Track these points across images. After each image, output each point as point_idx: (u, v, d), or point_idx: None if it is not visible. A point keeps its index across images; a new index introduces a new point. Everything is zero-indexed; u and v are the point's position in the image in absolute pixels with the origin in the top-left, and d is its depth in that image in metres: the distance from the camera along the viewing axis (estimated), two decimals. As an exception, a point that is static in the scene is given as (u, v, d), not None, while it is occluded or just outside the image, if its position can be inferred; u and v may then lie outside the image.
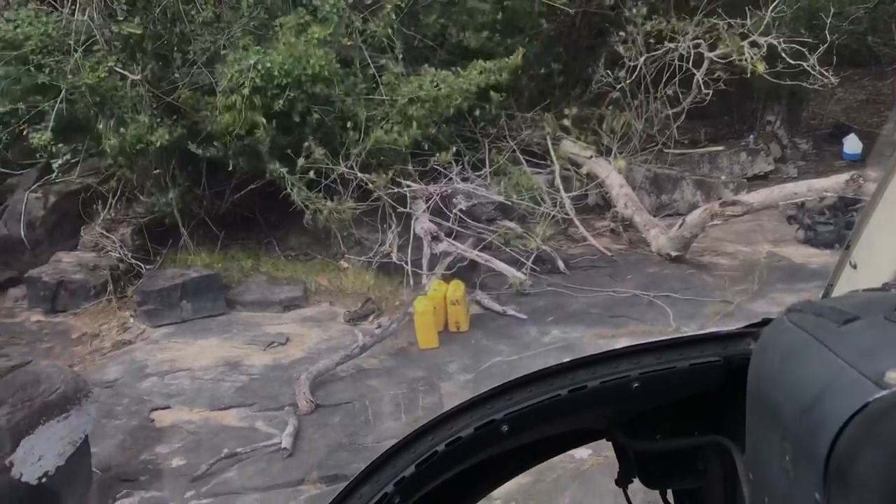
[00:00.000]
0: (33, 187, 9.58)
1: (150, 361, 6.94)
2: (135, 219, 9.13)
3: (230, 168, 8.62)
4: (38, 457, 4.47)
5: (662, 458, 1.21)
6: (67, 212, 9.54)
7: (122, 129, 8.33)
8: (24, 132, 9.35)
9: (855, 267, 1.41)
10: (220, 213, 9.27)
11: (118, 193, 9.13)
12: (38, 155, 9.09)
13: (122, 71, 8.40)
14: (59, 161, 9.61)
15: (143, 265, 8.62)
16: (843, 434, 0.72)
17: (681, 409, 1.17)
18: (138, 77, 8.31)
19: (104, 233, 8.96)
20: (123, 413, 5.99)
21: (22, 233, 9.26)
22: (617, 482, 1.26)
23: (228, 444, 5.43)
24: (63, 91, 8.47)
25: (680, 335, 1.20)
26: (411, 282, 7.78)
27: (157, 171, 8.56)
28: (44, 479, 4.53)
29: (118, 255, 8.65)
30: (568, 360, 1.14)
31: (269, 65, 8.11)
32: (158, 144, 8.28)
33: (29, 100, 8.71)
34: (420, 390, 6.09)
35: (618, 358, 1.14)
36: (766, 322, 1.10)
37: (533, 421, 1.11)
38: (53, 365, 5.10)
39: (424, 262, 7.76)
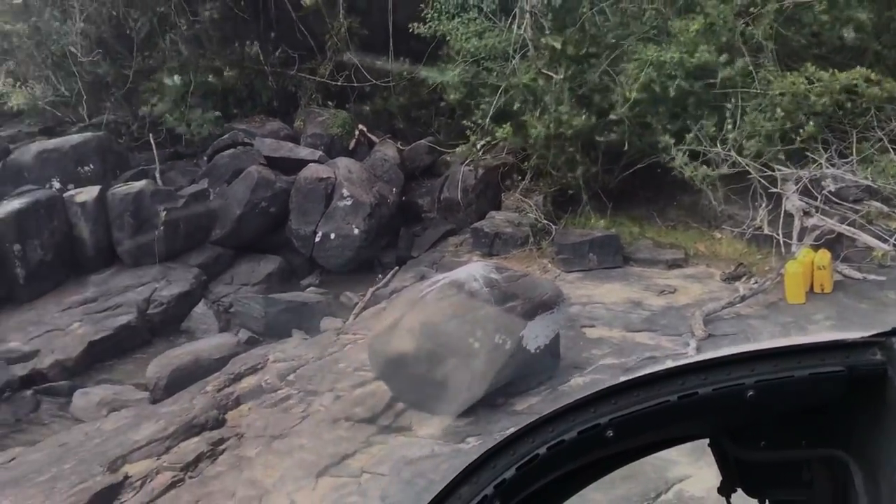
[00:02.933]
0: (466, 162, 12.64)
1: (571, 295, 9.38)
2: (545, 189, 11.77)
3: (624, 149, 10.81)
4: (535, 335, 7.04)
5: (766, 467, 1.19)
6: (490, 182, 12.48)
7: (545, 118, 10.92)
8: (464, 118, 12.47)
9: None
10: (609, 187, 11.54)
11: (534, 169, 11.83)
12: (470, 134, 12.15)
13: (547, 72, 10.97)
14: (482, 142, 12.60)
15: (552, 225, 11.20)
16: None
17: (790, 419, 1.13)
18: (560, 77, 10.82)
19: (522, 198, 11.72)
20: (562, 327, 8.46)
21: (458, 196, 12.39)
22: (720, 490, 1.23)
23: (644, 352, 7.64)
24: (501, 88, 11.33)
25: (800, 342, 1.15)
26: (782, 251, 9.39)
27: (570, 150, 11.01)
28: (536, 351, 7.09)
29: (534, 216, 11.33)
30: (677, 364, 1.13)
31: (662, 60, 10.17)
32: (571, 131, 10.76)
33: (476, 95, 11.70)
34: (791, 330, 7.81)
35: (731, 364, 1.11)
36: (893, 332, 1.08)
37: (639, 427, 1.09)
38: (541, 277, 7.68)
39: (794, 234, 9.33)
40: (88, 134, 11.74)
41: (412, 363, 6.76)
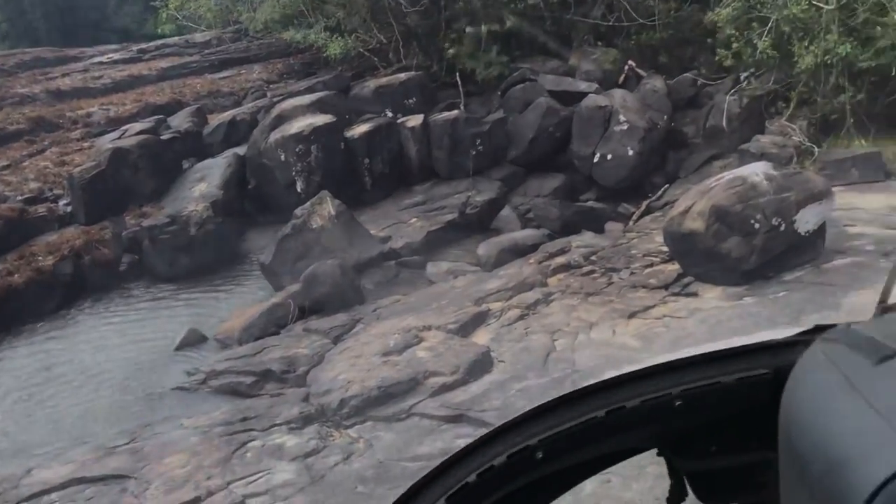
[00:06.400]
0: (731, 91, 14.21)
1: (834, 202, 10.89)
2: (809, 115, 13.11)
3: (892, 74, 11.92)
4: (806, 221, 8.76)
5: (714, 474, 1.18)
6: (753, 110, 13.96)
7: (812, 47, 12.26)
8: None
9: None
10: (874, 112, 12.66)
11: (798, 97, 13.19)
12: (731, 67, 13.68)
13: (817, 3, 12.27)
14: (746, 73, 14.09)
15: (815, 147, 12.57)
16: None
17: (735, 423, 1.12)
18: (831, 7, 12.08)
19: (787, 123, 13.15)
20: (827, 219, 10.03)
21: (723, 123, 14.00)
22: (668, 501, 1.22)
23: (904, 243, 9.10)
24: (772, 20, 12.77)
25: (726, 347, 1.14)
26: None
27: (837, 78, 12.29)
28: (806, 234, 8.83)
29: (798, 139, 12.75)
30: (605, 378, 1.14)
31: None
32: (838, 58, 12.03)
33: (747, 28, 13.21)
34: None
35: (659, 374, 1.12)
36: (819, 329, 1.08)
37: (569, 445, 1.09)
38: (812, 174, 9.38)
39: None
40: (411, 73, 14.69)
41: (701, 239, 8.76)
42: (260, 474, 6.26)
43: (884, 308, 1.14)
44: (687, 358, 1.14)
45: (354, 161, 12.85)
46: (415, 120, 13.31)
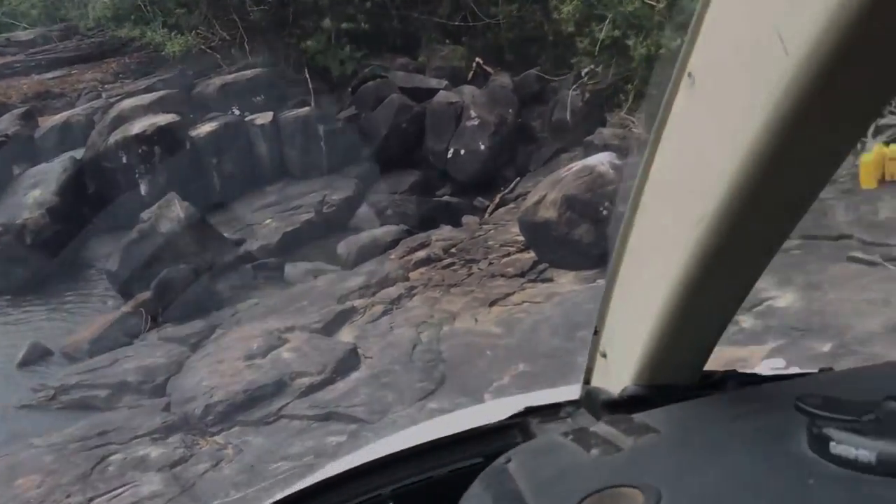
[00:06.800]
0: (574, 87, 14.88)
1: (673, 189, 11.64)
2: (646, 107, 13.92)
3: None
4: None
5: None
6: (594, 103, 14.69)
7: (647, 42, 13.04)
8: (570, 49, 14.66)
9: (605, 356, 1.18)
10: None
11: (636, 89, 13.98)
12: (573, 63, 14.38)
13: (650, 2, 13.06)
14: (587, 69, 14.81)
15: (653, 137, 13.37)
16: None
17: None
18: (661, 6, 12.90)
19: (627, 115, 13.92)
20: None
21: (567, 117, 14.64)
22: None
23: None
24: (609, 18, 13.49)
25: (439, 436, 1.08)
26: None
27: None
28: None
29: (637, 130, 13.52)
30: (314, 481, 1.06)
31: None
32: (671, 53, 12.86)
33: (585, 25, 13.88)
34: (862, 205, 9.91)
35: (369, 473, 1.05)
36: (529, 411, 1.06)
37: None
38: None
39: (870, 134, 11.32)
40: (258, 70, 14.44)
41: (554, 227, 9.15)
42: (125, 488, 6.03)
43: (587, 391, 1.12)
44: (400, 451, 1.08)
45: (201, 161, 12.51)
46: (264, 118, 13.12)
